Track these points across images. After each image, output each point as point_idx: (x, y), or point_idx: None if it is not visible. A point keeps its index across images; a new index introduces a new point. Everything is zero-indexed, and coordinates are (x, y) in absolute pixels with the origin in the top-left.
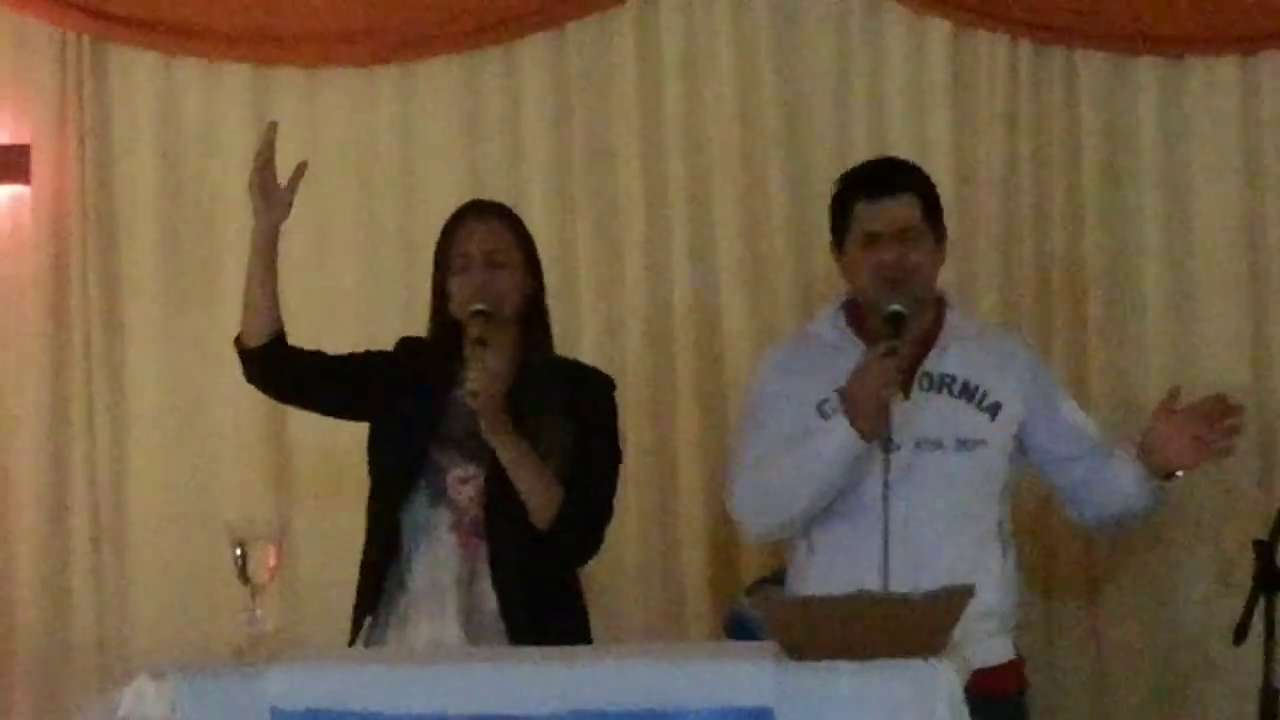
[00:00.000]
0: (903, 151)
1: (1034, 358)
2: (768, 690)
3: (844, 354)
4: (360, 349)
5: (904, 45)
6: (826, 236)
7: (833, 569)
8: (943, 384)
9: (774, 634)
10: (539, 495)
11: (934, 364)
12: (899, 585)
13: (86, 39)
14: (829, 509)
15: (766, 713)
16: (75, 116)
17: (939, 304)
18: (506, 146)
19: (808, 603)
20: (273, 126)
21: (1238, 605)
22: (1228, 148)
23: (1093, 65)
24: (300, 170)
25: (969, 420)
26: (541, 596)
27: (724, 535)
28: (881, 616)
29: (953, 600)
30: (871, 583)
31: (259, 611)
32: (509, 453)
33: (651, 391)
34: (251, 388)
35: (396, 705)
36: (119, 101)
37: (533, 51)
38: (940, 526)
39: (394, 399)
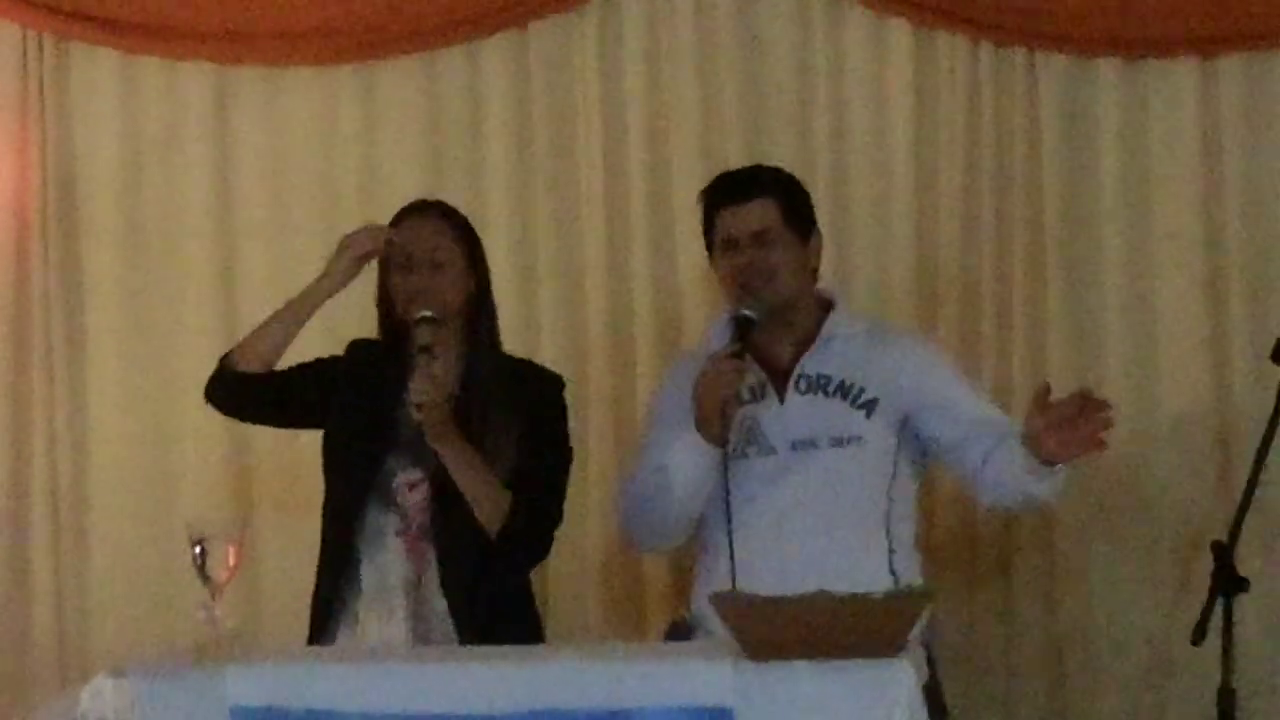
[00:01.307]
0: (864, 152)
1: (928, 353)
2: (727, 690)
3: None
4: (320, 349)
5: (865, 45)
6: None
7: (711, 573)
8: (818, 384)
9: (733, 633)
10: (486, 503)
11: (811, 365)
12: (770, 585)
13: (48, 37)
14: (712, 516)
15: (726, 713)
16: (36, 115)
17: (823, 305)
18: (468, 146)
19: (767, 602)
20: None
21: (1196, 607)
22: (1187, 149)
23: (1053, 66)
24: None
25: (843, 418)
26: (491, 601)
27: None
28: (841, 616)
29: (912, 600)
30: (754, 586)
31: (218, 610)
32: (455, 461)
33: (613, 388)
34: (206, 375)
35: (355, 703)
36: (80, 100)
37: (494, 51)
38: (815, 525)
39: (345, 407)
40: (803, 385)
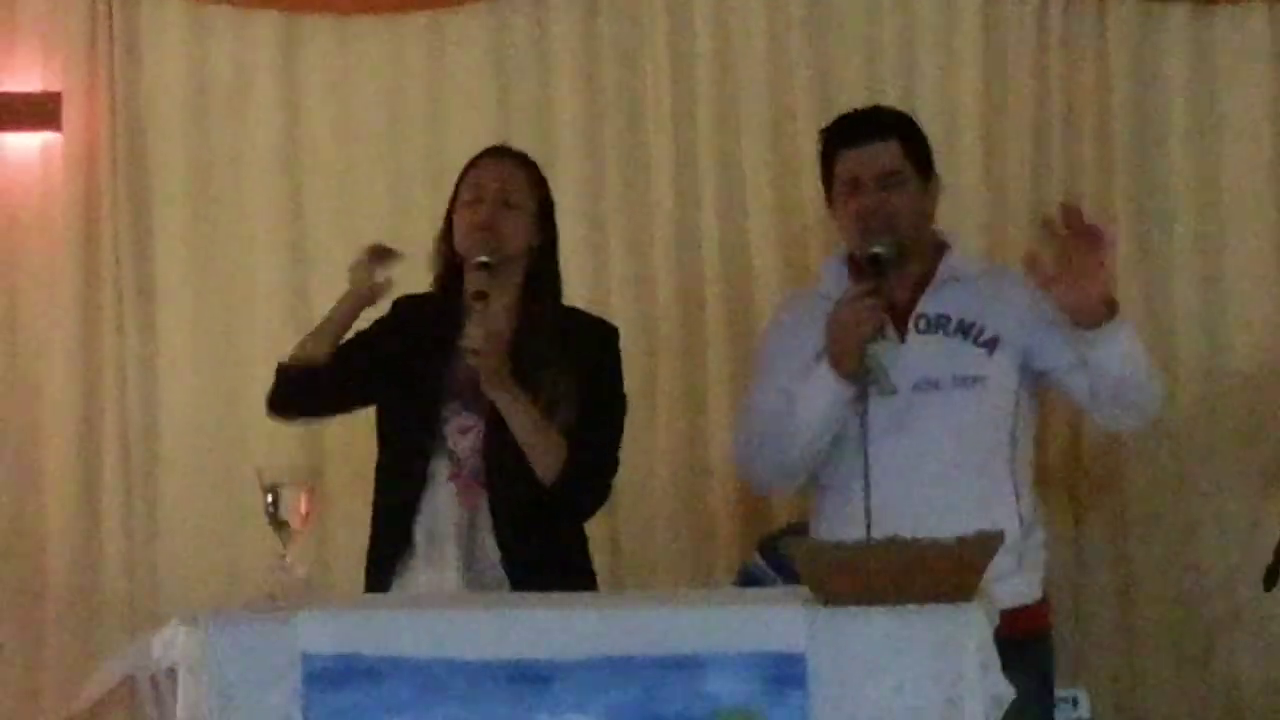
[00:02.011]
0: (934, 106)
1: (1032, 288)
2: (799, 635)
3: None
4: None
5: (934, 3)
6: None
7: (834, 513)
8: (938, 324)
9: (804, 578)
10: (542, 451)
11: (929, 305)
12: (904, 527)
13: None
14: (838, 457)
15: (798, 658)
16: (106, 64)
17: (937, 247)
18: (536, 96)
19: (839, 547)
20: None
21: (1268, 552)
22: (1258, 96)
23: (1123, 14)
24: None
25: (966, 357)
26: (544, 548)
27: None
28: (912, 561)
29: (983, 544)
30: (859, 525)
31: (290, 557)
32: (510, 408)
33: (683, 338)
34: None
35: (425, 650)
36: (149, 49)
37: (562, 0)
38: (942, 465)
39: (397, 361)
40: (922, 325)
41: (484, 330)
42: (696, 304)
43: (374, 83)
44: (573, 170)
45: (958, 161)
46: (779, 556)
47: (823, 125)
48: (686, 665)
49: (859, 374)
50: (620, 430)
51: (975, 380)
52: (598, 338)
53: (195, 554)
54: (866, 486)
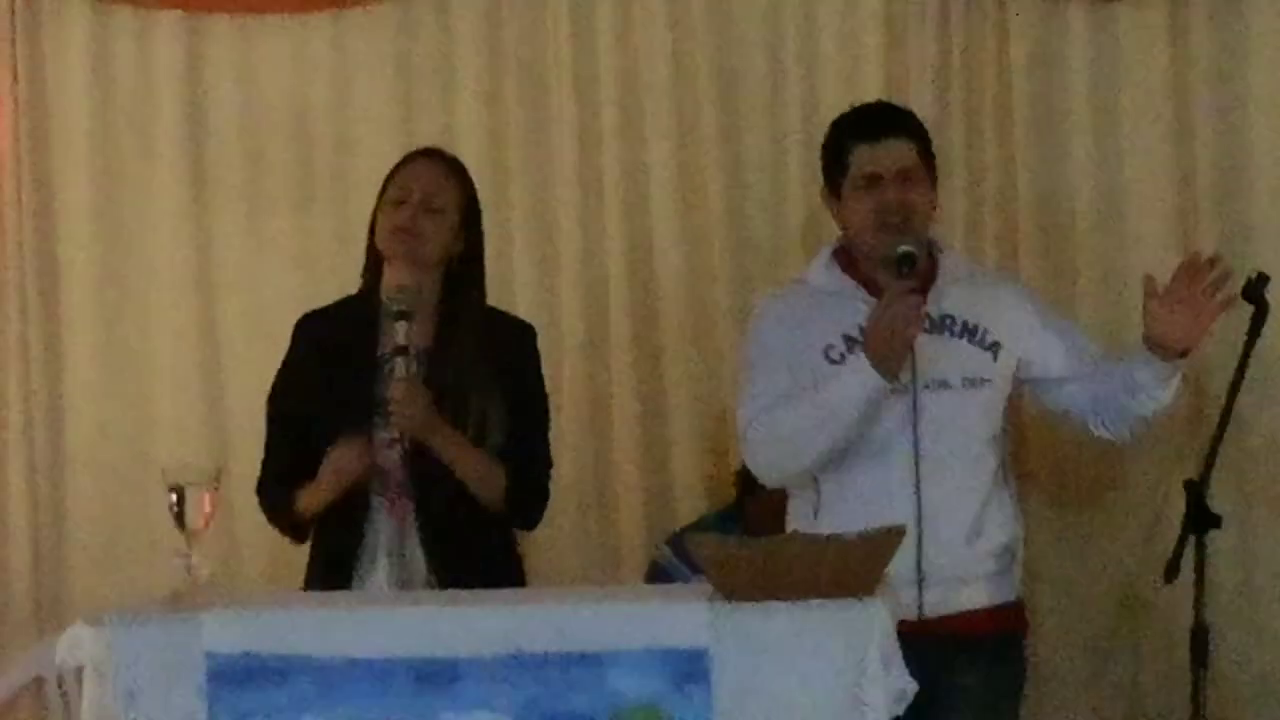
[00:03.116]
0: (836, 90)
1: (1023, 290)
2: (703, 631)
3: (842, 299)
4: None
5: None
6: (759, 181)
7: (841, 513)
8: (944, 324)
9: (709, 575)
10: (483, 486)
11: (933, 306)
12: (911, 522)
13: None
14: (851, 452)
15: (701, 654)
16: (9, 64)
17: (930, 247)
18: (440, 93)
19: (742, 544)
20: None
21: (1169, 545)
22: (1158, 89)
23: (1023, 9)
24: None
25: (973, 359)
26: (472, 553)
27: (658, 481)
28: (815, 557)
29: (885, 540)
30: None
31: (195, 558)
32: (445, 449)
33: (588, 337)
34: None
35: (331, 648)
36: (52, 49)
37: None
38: (955, 467)
39: (317, 386)
40: (928, 325)
41: (406, 401)
42: (601, 303)
43: (278, 81)
44: (476, 171)
45: None
46: (688, 551)
47: (724, 124)
48: (591, 662)
49: (900, 370)
50: (548, 431)
51: (983, 382)
52: (518, 339)
53: (102, 554)
54: (917, 488)
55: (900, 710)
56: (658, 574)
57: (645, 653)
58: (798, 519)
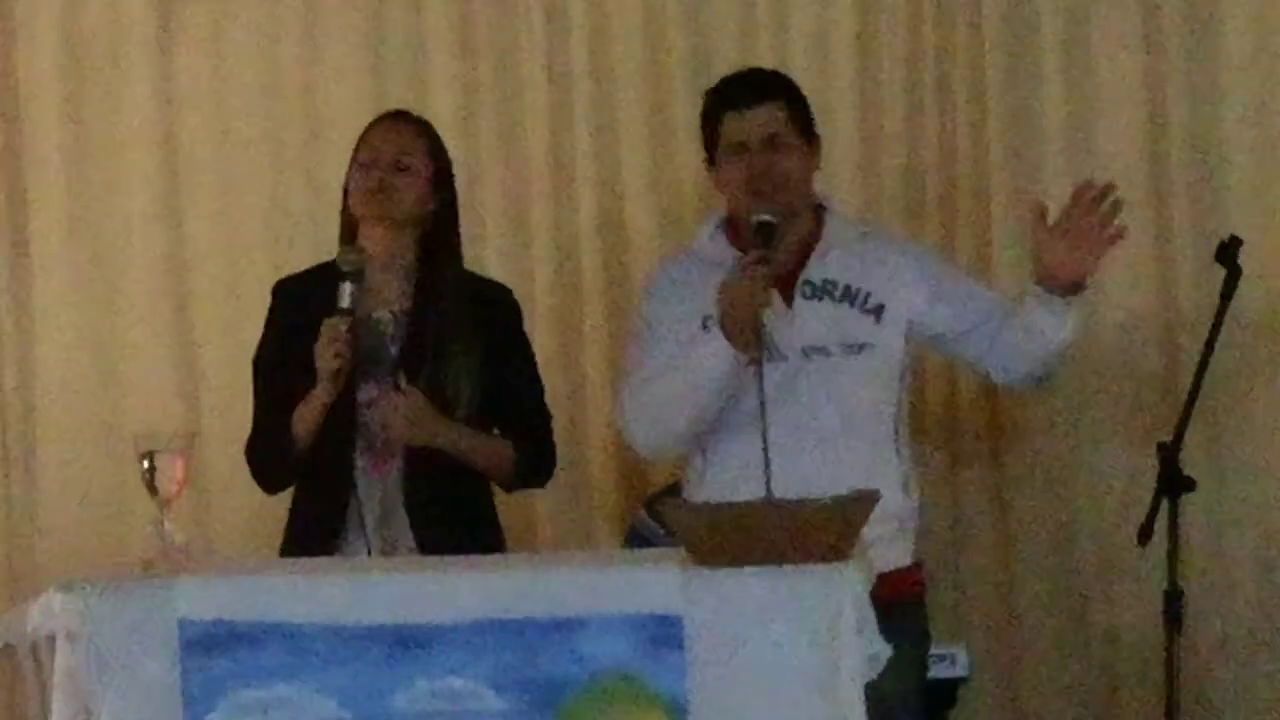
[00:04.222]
0: (807, 51)
1: (917, 248)
2: (675, 597)
3: (724, 269)
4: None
5: None
6: None
7: (724, 481)
8: (824, 290)
9: (681, 540)
10: (493, 468)
11: (814, 271)
12: (790, 494)
13: None
14: (721, 422)
15: (674, 619)
16: None
17: (818, 210)
18: (411, 64)
19: (714, 509)
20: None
21: (1143, 507)
22: (1131, 59)
23: None
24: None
25: (853, 324)
26: (457, 514)
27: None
28: (788, 521)
29: (859, 504)
30: (756, 493)
31: (167, 524)
32: (448, 444)
33: (560, 304)
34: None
35: (303, 614)
36: (22, 13)
37: None
38: (831, 432)
39: (306, 357)
40: (808, 291)
41: (400, 416)
42: (573, 272)
43: (249, 46)
44: (448, 139)
45: (833, 128)
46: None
47: (698, 82)
48: (565, 627)
49: (752, 344)
50: (542, 388)
51: (863, 347)
52: (501, 304)
53: (75, 521)
54: (765, 456)
55: (875, 674)
56: (635, 539)
57: (619, 618)
58: (687, 486)
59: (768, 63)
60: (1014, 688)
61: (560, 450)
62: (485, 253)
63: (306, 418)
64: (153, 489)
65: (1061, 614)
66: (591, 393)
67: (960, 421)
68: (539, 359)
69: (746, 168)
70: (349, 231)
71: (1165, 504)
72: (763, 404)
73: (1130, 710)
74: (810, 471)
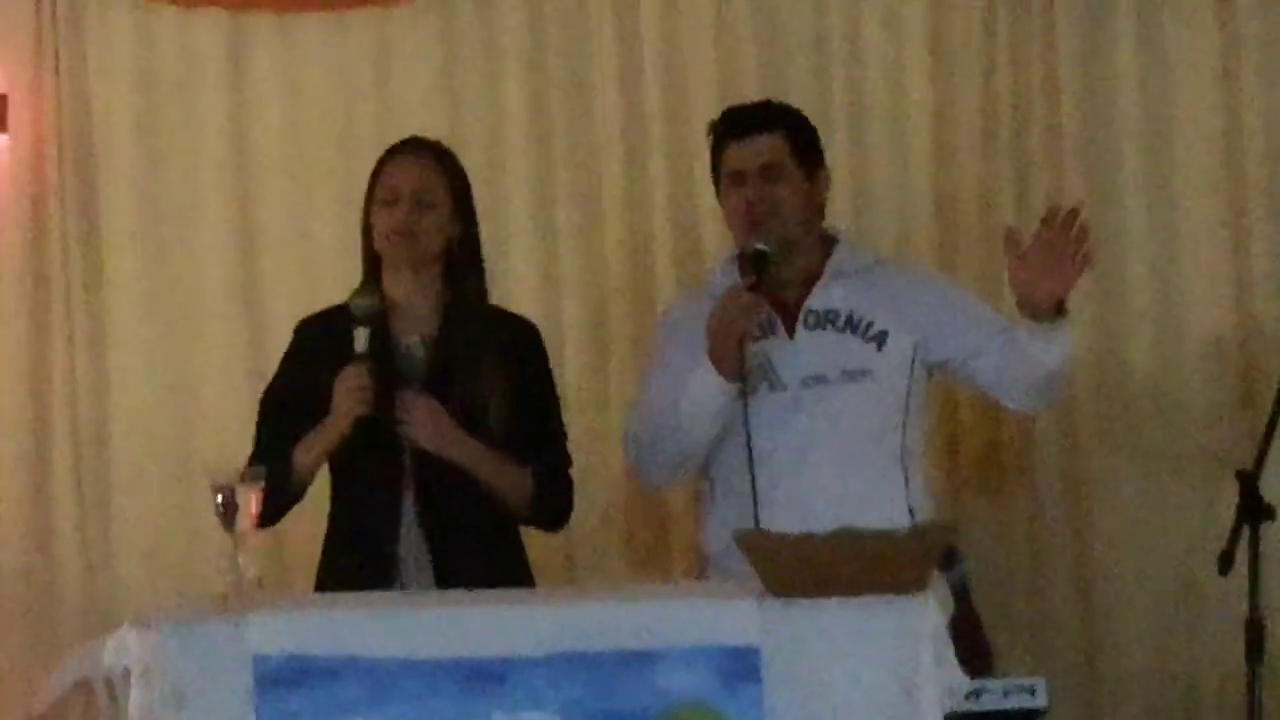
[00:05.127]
0: (881, 86)
1: (929, 277)
2: (752, 629)
3: None
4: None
5: None
6: None
7: (724, 510)
8: (827, 319)
9: (758, 571)
10: (509, 492)
11: (818, 300)
12: (788, 523)
13: None
14: (724, 453)
15: (752, 651)
16: (52, 65)
17: (826, 241)
18: (483, 87)
19: (793, 540)
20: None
21: (1223, 535)
22: (1207, 86)
23: (1070, 6)
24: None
25: (853, 352)
26: (476, 548)
27: None
28: (865, 552)
29: (936, 535)
30: (746, 523)
31: (241, 559)
32: (467, 461)
33: (634, 329)
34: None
35: (378, 649)
36: (95, 49)
37: None
38: (831, 460)
39: (309, 400)
40: (810, 320)
41: (423, 426)
42: (647, 303)
43: (321, 79)
44: (521, 166)
45: (906, 160)
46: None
47: None
48: (641, 660)
49: (739, 372)
50: (565, 431)
51: (863, 374)
52: (525, 339)
53: (149, 556)
54: (752, 482)
55: (953, 705)
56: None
57: (695, 650)
58: (699, 517)
59: (840, 78)
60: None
61: (635, 485)
62: (561, 269)
63: (314, 450)
64: (227, 523)
65: (1141, 644)
66: None
67: (1038, 454)
68: (615, 393)
69: (743, 197)
70: (373, 270)
71: (1246, 532)
72: (748, 433)
73: None
74: (811, 498)
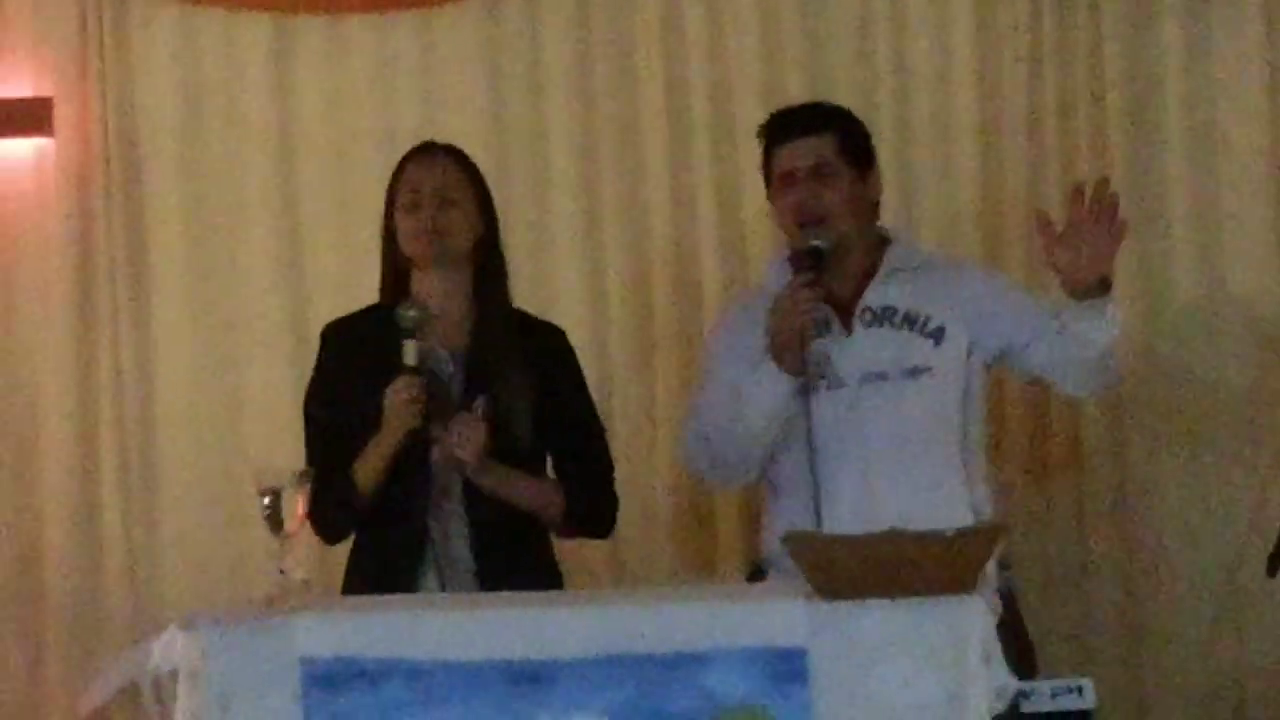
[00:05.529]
0: (926, 83)
1: (980, 271)
2: (801, 630)
3: None
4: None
5: None
6: None
7: (785, 511)
8: (884, 316)
9: (806, 573)
10: (544, 510)
11: (874, 297)
12: (851, 523)
13: None
14: (784, 452)
15: (800, 653)
16: (97, 68)
17: (881, 241)
18: (528, 91)
19: (840, 541)
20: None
21: (1271, 536)
22: (1253, 72)
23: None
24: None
25: (913, 348)
26: (517, 555)
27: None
28: (914, 554)
29: (985, 536)
30: (808, 523)
31: (288, 560)
32: (501, 487)
33: (679, 332)
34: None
35: (426, 651)
36: (140, 52)
37: None
38: (893, 459)
39: (351, 406)
40: (868, 317)
41: (470, 444)
42: (693, 302)
43: (366, 82)
44: (566, 169)
45: (951, 150)
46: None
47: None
48: (688, 662)
49: (800, 368)
50: (603, 432)
51: (923, 371)
52: (553, 344)
53: (196, 557)
54: (815, 480)
55: (1002, 707)
56: (758, 573)
57: (743, 652)
58: (762, 516)
59: (885, 77)
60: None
61: (683, 484)
62: (605, 272)
63: (370, 471)
64: (274, 525)
65: (1188, 646)
66: None
67: (1085, 453)
68: (661, 394)
69: (795, 198)
70: (395, 276)
71: None
72: (809, 429)
73: None
74: (871, 498)
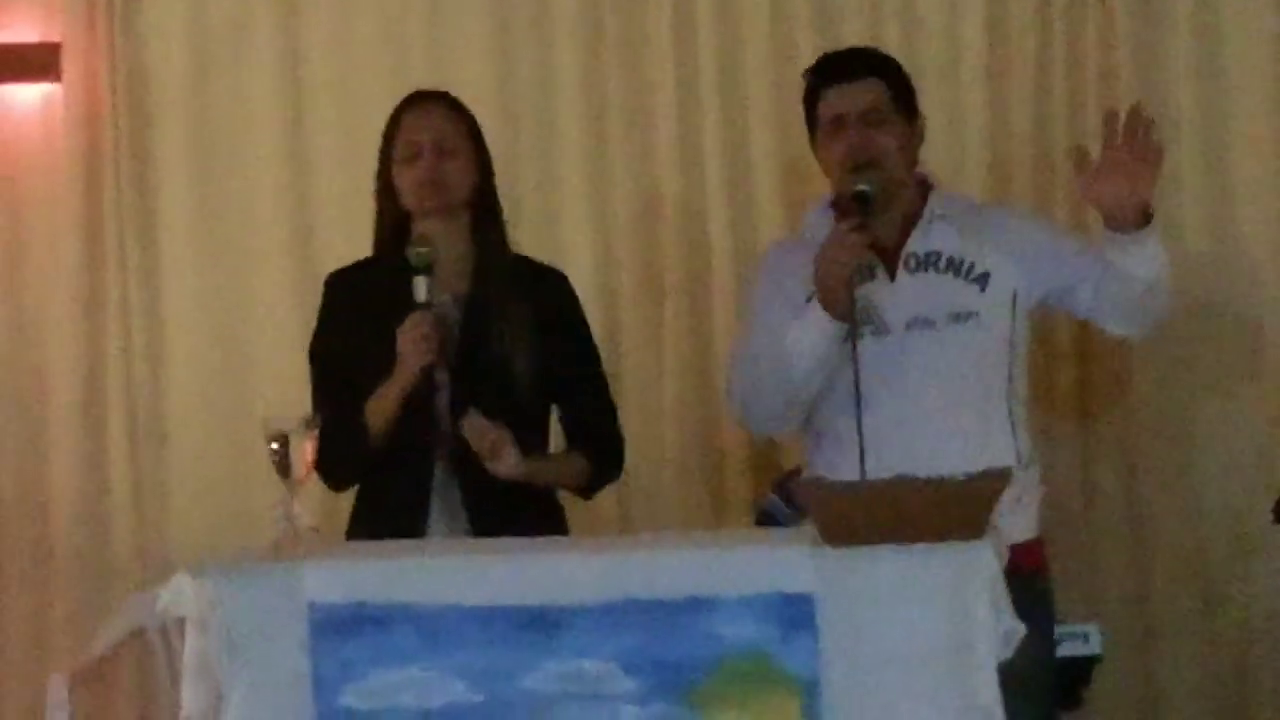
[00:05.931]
0: (935, 38)
1: (1021, 215)
2: (807, 576)
3: None
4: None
5: None
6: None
7: (830, 454)
8: (928, 261)
9: (814, 519)
10: (569, 482)
11: (918, 243)
12: (898, 469)
13: None
14: (827, 399)
15: (807, 599)
16: (105, 14)
17: (923, 186)
18: (536, 41)
19: (847, 487)
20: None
21: (1276, 483)
22: (1261, 28)
23: None
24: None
25: (959, 293)
26: (512, 502)
27: None
28: (920, 500)
29: (992, 482)
30: (852, 469)
31: (296, 507)
32: (537, 476)
33: (687, 280)
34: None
35: (434, 596)
36: (150, 23)
37: None
38: (938, 404)
39: (359, 353)
40: (912, 263)
41: (506, 459)
42: (702, 250)
43: (375, 28)
44: (574, 126)
45: (959, 99)
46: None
47: None
48: (695, 608)
49: (848, 313)
50: (604, 376)
51: (969, 316)
52: (555, 287)
53: (204, 504)
54: (859, 425)
55: (1010, 653)
56: (766, 520)
57: (750, 598)
58: (804, 463)
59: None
60: (1147, 665)
61: (691, 431)
62: (614, 221)
63: (383, 410)
64: (283, 471)
65: (1194, 592)
66: (721, 375)
67: (1091, 398)
68: (669, 342)
69: (844, 142)
70: (394, 228)
71: None
72: (856, 375)
73: (1264, 688)
74: (921, 443)
